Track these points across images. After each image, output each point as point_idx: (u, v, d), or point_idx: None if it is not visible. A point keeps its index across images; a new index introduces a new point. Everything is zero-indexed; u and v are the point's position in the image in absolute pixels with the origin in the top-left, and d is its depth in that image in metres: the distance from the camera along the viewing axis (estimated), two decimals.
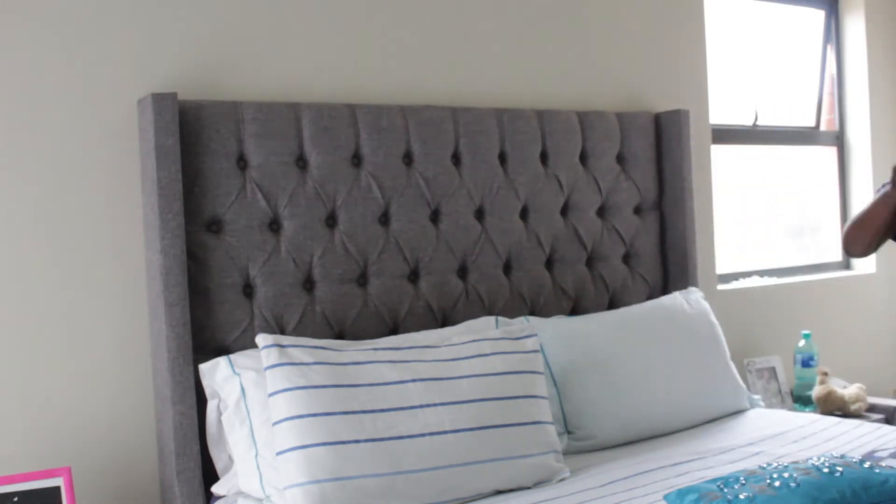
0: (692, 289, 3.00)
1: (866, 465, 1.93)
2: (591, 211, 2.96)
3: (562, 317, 2.75)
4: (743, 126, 3.87)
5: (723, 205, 3.69)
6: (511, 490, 2.16)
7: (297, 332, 2.38)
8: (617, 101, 3.18)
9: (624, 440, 2.54)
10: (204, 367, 2.20)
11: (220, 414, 2.21)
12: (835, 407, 3.28)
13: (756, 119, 3.90)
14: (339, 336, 2.45)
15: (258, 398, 2.14)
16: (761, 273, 3.84)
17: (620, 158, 3.04)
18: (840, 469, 1.88)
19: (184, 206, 2.24)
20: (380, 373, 2.13)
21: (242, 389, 2.17)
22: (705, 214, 3.40)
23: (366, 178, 2.52)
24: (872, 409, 3.39)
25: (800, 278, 3.90)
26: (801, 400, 3.42)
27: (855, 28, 4.12)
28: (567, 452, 2.43)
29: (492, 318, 2.57)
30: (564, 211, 2.91)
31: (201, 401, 2.23)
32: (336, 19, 2.62)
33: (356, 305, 2.49)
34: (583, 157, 2.95)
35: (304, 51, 2.57)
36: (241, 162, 2.36)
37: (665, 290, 3.13)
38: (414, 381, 2.14)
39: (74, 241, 2.25)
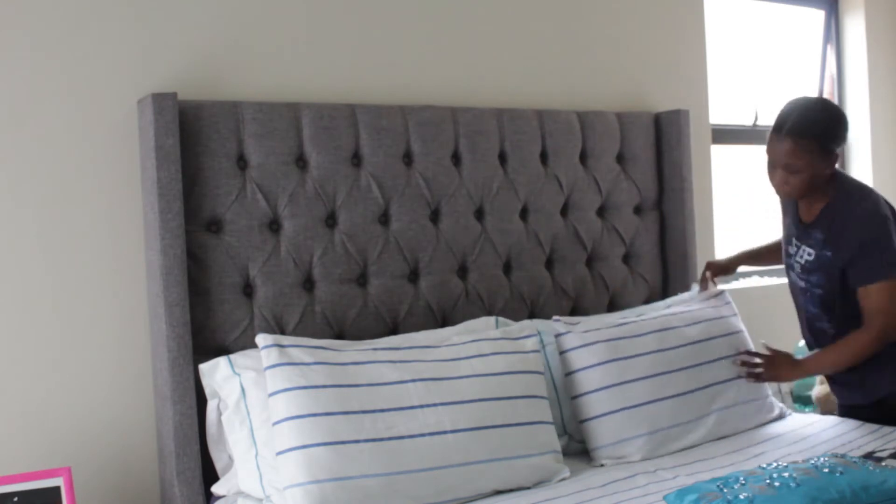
0: (696, 287, 3.00)
1: (867, 465, 1.93)
2: (591, 211, 2.96)
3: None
4: (743, 126, 3.87)
5: (723, 205, 3.69)
6: (511, 490, 2.16)
7: (297, 332, 2.38)
8: (617, 101, 3.18)
9: None
10: (204, 367, 2.20)
11: (220, 414, 2.21)
12: (835, 407, 3.28)
13: (756, 119, 3.90)
14: (339, 336, 2.45)
15: (258, 398, 2.14)
16: (761, 273, 3.84)
17: (620, 158, 3.04)
18: (840, 469, 1.88)
19: (184, 206, 2.24)
20: (380, 373, 2.13)
21: (242, 389, 2.17)
22: (705, 214, 3.40)
23: (366, 178, 2.52)
24: None
25: None
26: (801, 400, 3.42)
27: (855, 28, 4.12)
28: (567, 453, 2.43)
29: (492, 319, 2.56)
30: (564, 211, 2.91)
31: (201, 401, 2.23)
32: (336, 19, 2.62)
33: (356, 305, 2.49)
34: (583, 157, 2.95)
35: (304, 51, 2.57)
36: (241, 162, 2.36)
37: (665, 290, 3.13)
38: (414, 381, 2.14)
39: (74, 241, 2.25)
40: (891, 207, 2.52)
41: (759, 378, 2.59)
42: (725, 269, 2.94)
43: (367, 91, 2.65)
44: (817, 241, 2.51)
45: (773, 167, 2.47)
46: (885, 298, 2.43)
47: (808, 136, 2.38)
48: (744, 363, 2.61)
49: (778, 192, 2.52)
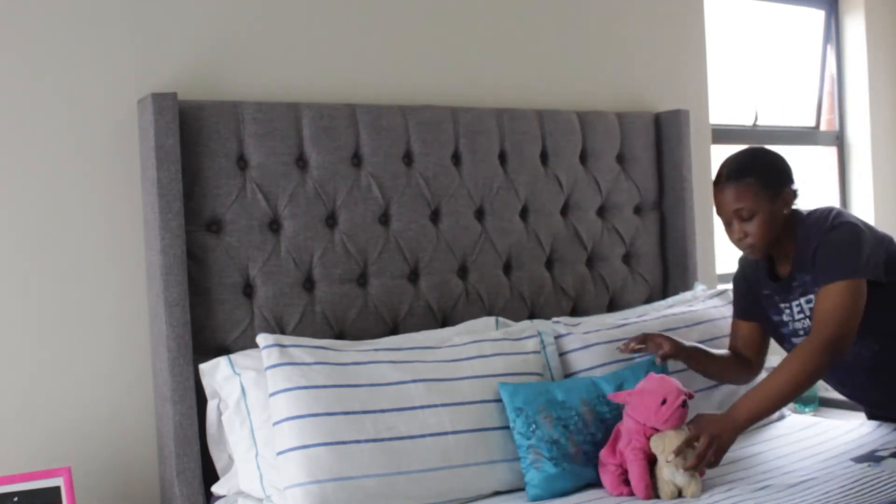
0: (700, 286, 3.00)
1: None
2: (591, 211, 2.96)
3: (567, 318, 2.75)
4: (743, 126, 3.87)
5: None
6: (511, 491, 2.16)
7: (297, 332, 2.38)
8: (617, 101, 3.18)
9: None
10: (204, 367, 2.20)
11: (220, 414, 2.21)
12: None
13: (756, 119, 3.90)
14: (339, 336, 2.45)
15: (258, 398, 2.14)
16: None
17: (620, 158, 3.04)
18: None
19: (184, 206, 2.24)
20: (380, 373, 2.13)
21: (243, 389, 2.17)
22: (705, 214, 3.39)
23: (366, 178, 2.52)
24: None
25: None
26: (800, 400, 3.42)
27: (855, 28, 4.12)
28: None
29: (492, 319, 2.56)
30: (564, 211, 2.91)
31: (201, 401, 2.23)
32: (336, 19, 2.62)
33: (356, 305, 2.49)
34: (583, 157, 2.95)
35: (304, 51, 2.57)
36: (241, 162, 2.36)
37: (665, 290, 3.13)
38: (415, 381, 2.14)
39: (74, 241, 2.25)
40: (864, 223, 2.32)
41: (710, 465, 2.10)
42: (677, 352, 2.40)
43: (367, 91, 2.65)
44: (807, 282, 2.30)
45: (728, 223, 2.34)
46: (841, 299, 2.17)
47: (745, 176, 2.28)
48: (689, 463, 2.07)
49: (742, 248, 2.36)
